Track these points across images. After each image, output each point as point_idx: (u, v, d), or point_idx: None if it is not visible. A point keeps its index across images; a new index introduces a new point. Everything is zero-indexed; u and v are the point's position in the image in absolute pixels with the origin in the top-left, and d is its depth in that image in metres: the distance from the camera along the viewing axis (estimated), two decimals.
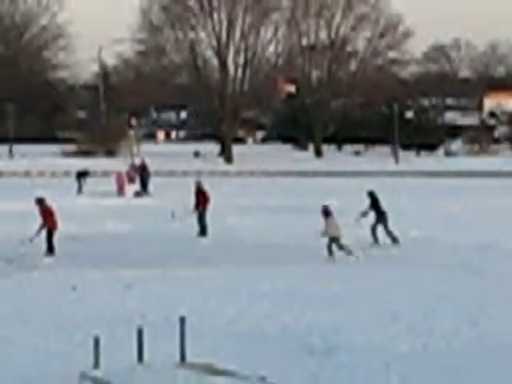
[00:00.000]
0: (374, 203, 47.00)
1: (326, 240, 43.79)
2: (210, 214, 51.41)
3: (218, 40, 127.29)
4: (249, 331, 26.58)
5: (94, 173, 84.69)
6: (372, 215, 48.96)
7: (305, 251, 46.10)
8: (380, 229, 47.65)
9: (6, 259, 42.66)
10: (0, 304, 32.85)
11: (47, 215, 43.69)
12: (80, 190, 76.70)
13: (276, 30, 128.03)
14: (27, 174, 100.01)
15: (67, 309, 30.74)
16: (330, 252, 43.25)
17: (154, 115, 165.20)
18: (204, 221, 50.92)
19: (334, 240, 43.37)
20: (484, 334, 26.58)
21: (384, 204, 52.33)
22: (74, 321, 27.71)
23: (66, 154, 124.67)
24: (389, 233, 46.49)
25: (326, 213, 44.34)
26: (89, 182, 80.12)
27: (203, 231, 50.63)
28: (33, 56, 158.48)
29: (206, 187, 54.33)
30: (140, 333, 22.35)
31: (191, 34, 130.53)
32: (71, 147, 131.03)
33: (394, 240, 46.36)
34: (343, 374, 21.47)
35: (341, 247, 43.04)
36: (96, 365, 21.57)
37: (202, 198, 52.83)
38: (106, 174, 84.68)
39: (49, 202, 46.42)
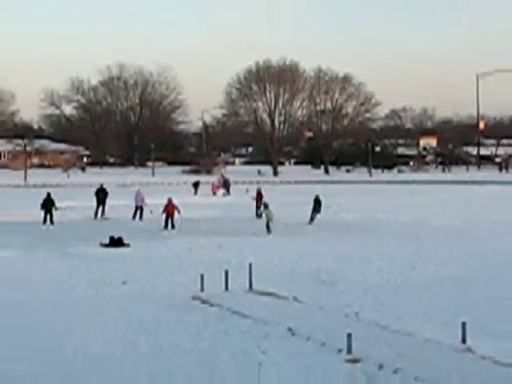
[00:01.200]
0: (317, 202, 48.75)
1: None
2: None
3: (269, 108, 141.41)
4: (287, 271, 28.93)
5: (202, 183, 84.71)
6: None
7: (315, 227, 46.77)
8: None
9: (151, 231, 42.26)
10: (151, 255, 34.41)
11: (170, 207, 44.92)
12: (195, 192, 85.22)
13: (302, 101, 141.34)
14: (163, 184, 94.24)
15: (185, 258, 32.97)
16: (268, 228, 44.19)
17: (233, 150, 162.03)
18: (259, 209, 51.71)
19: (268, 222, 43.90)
20: (420, 272, 28.96)
21: (360, 201, 60.34)
22: (189, 265, 30.20)
23: (185, 172, 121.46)
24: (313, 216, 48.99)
25: (265, 205, 46.18)
26: (199, 188, 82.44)
27: (259, 216, 51.60)
28: (166, 117, 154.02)
29: (263, 191, 56.97)
30: (226, 273, 24.73)
31: (254, 104, 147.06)
32: (188, 168, 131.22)
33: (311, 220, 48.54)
34: (341, 296, 23.98)
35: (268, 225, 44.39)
36: (201, 290, 24.13)
37: (259, 196, 55.04)
38: (207, 183, 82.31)
39: (175, 200, 47.76)
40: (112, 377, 15.48)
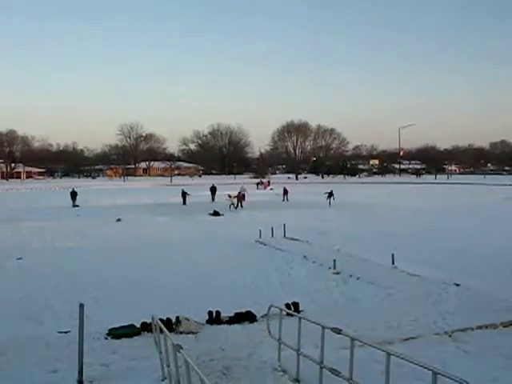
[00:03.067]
0: (331, 193, 44.48)
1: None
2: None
3: (293, 145, 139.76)
4: (299, 227, 27.51)
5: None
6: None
7: (318, 205, 45.09)
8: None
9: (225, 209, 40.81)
10: (233, 220, 33.48)
11: (240, 196, 42.40)
12: (257, 187, 75.46)
13: (310, 142, 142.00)
14: (238, 183, 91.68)
15: (251, 221, 31.81)
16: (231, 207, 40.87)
17: (275, 166, 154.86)
18: (287, 197, 48.94)
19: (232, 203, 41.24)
20: (374, 229, 26.92)
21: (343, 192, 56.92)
22: (253, 224, 28.60)
23: (251, 177, 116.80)
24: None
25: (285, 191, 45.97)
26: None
27: (287, 200, 48.51)
28: (241, 149, 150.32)
29: (287, 187, 53.23)
30: (272, 228, 24.29)
31: (285, 143, 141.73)
32: (252, 175, 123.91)
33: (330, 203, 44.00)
34: (330, 240, 22.80)
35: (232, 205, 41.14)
36: (259, 237, 23.63)
37: (285, 190, 50.50)
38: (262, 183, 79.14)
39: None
40: (218, 276, 15.92)
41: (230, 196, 42.84)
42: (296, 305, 11.60)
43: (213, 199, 48.51)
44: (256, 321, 10.90)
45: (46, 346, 9.47)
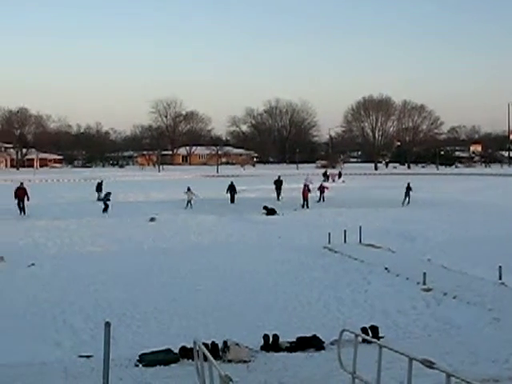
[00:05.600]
0: (408, 187, 42.92)
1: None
2: None
3: (372, 126, 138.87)
4: (377, 231, 27.42)
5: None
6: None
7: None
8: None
9: (294, 206, 40.69)
10: (294, 220, 33.54)
11: (306, 190, 40.93)
12: (324, 179, 71.21)
13: (392, 122, 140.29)
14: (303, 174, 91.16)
15: (317, 222, 31.99)
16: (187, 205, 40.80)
17: (348, 153, 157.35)
18: (323, 196, 45.25)
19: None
20: (471, 233, 26.37)
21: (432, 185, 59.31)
22: (320, 226, 28.93)
23: (317, 167, 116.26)
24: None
25: (188, 188, 41.74)
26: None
27: (323, 200, 44.66)
28: (305, 132, 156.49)
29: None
30: (345, 232, 23.94)
31: (361, 124, 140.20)
32: (319, 164, 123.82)
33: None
34: (418, 247, 22.91)
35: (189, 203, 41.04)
36: (329, 243, 23.59)
37: (322, 187, 46.11)
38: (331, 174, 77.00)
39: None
40: (271, 287, 16.00)
41: (189, 190, 42.15)
42: (375, 329, 11.48)
43: (278, 197, 46.65)
44: (323, 348, 10.86)
45: (65, 373, 9.58)
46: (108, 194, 38.96)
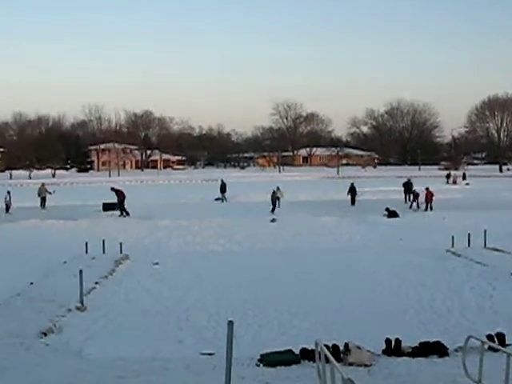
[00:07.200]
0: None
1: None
2: None
3: (497, 126, 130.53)
4: (505, 235, 26.18)
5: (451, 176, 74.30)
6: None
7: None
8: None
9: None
10: (415, 223, 32.84)
11: (429, 194, 39.55)
12: (447, 182, 70.04)
13: None
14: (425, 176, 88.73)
15: (440, 225, 30.84)
16: None
17: (472, 154, 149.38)
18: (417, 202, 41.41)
19: None
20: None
21: None
22: (439, 229, 27.62)
23: (440, 169, 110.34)
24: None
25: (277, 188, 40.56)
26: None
27: (417, 206, 40.58)
28: (427, 133, 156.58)
29: None
30: (469, 235, 23.02)
31: (486, 124, 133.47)
32: (441, 166, 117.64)
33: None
34: None
35: None
36: (452, 246, 22.67)
37: (415, 193, 41.62)
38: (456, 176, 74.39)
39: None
40: (392, 289, 15.70)
41: (278, 189, 41.51)
42: (501, 336, 11.11)
43: (407, 199, 44.00)
44: (447, 355, 10.61)
45: (187, 370, 9.85)
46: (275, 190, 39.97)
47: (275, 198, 40.11)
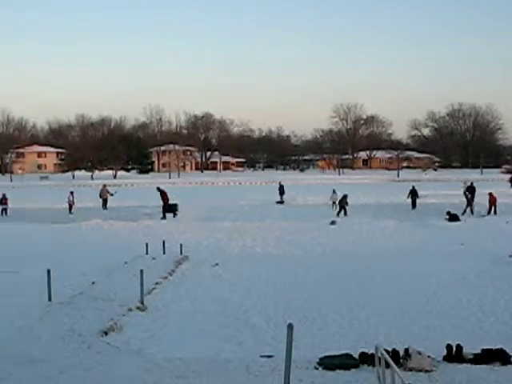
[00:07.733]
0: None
1: None
2: None
3: None
4: None
5: None
6: None
7: None
8: None
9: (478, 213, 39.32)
10: (476, 227, 31.92)
11: (493, 198, 38.77)
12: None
13: None
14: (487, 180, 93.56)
15: (503, 229, 30.05)
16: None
17: None
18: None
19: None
20: None
21: None
22: (504, 234, 27.54)
23: (503, 172, 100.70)
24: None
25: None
26: None
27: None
28: (490, 135, 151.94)
29: None
30: None
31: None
32: (504, 169, 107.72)
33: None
34: None
35: None
36: None
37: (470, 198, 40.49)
38: None
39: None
40: (454, 295, 15.45)
41: (334, 192, 42.17)
42: None
43: (468, 204, 40.75)
44: (510, 363, 10.40)
45: (247, 372, 9.97)
46: (345, 196, 39.73)
47: (344, 203, 39.50)
